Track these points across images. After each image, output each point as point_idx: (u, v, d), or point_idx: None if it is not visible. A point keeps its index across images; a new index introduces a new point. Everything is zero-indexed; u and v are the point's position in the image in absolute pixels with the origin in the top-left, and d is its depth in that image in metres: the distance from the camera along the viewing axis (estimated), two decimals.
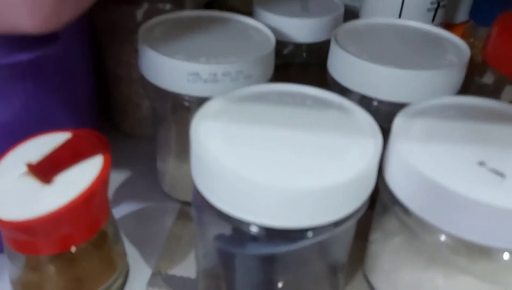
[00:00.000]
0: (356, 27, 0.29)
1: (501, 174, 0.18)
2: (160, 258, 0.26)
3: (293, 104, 0.22)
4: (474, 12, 0.32)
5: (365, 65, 0.24)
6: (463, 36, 0.34)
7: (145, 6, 0.31)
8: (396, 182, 0.20)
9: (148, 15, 0.30)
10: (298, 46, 0.32)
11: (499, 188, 0.17)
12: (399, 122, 0.20)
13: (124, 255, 0.24)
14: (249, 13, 0.33)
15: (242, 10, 0.36)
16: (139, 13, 0.31)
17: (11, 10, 0.18)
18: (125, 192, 0.31)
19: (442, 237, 0.19)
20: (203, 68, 0.24)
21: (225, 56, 0.25)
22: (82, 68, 0.27)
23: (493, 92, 0.25)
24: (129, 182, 0.32)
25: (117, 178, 0.32)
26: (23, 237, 0.20)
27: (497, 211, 0.17)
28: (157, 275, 0.25)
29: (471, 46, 0.33)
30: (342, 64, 0.25)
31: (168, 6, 0.32)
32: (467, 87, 0.28)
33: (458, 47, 0.26)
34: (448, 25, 0.35)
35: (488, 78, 0.26)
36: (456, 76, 0.24)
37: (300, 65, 0.34)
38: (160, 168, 0.30)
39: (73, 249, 0.21)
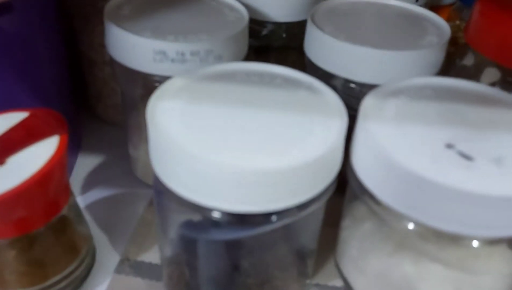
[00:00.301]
0: (334, 6, 0.28)
1: (469, 157, 0.17)
2: (129, 244, 0.26)
3: (260, 84, 0.21)
4: None
5: (342, 46, 0.23)
6: (449, 18, 0.33)
7: None
8: (363, 167, 0.19)
9: None
10: (278, 26, 0.31)
11: (467, 172, 0.17)
12: (368, 102, 0.20)
13: (88, 239, 0.24)
14: None
15: None
16: None
17: None
18: (97, 178, 0.30)
19: (410, 225, 0.18)
20: (170, 46, 0.23)
21: (195, 34, 0.24)
22: (48, 49, 0.26)
23: (474, 74, 0.24)
24: (102, 167, 0.31)
25: (90, 164, 0.31)
26: None
27: (464, 196, 0.16)
28: (125, 261, 0.25)
29: (457, 28, 0.32)
30: (318, 45, 0.25)
31: None
32: (451, 68, 0.27)
33: (439, 28, 0.25)
34: (435, 7, 0.34)
35: (468, 60, 0.25)
36: (435, 56, 0.23)
37: (280, 48, 0.33)
38: (132, 154, 0.30)
39: (31, 233, 0.20)
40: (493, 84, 0.24)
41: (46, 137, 0.20)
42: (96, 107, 0.34)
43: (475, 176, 0.16)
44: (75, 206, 0.23)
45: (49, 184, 0.19)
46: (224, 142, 0.17)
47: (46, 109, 0.21)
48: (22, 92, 0.24)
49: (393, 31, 0.25)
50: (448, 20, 0.33)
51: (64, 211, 0.21)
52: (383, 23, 0.26)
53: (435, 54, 0.24)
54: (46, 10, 0.26)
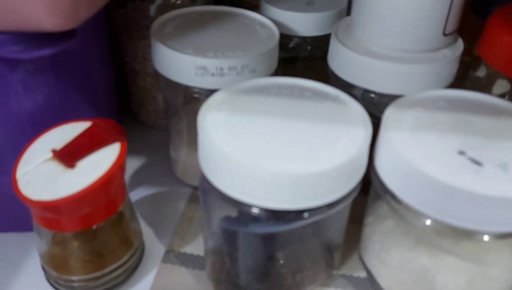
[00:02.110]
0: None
1: (478, 163, 0.19)
2: (173, 237, 0.29)
3: (291, 96, 0.24)
4: (477, 6, 0.33)
5: (362, 60, 0.26)
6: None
7: (158, 1, 0.33)
8: (385, 170, 0.21)
9: (162, 11, 0.32)
10: (303, 39, 0.34)
11: (476, 176, 0.19)
12: (389, 114, 0.22)
13: (139, 233, 0.27)
14: (258, 7, 0.35)
15: (252, 3, 0.37)
16: (153, 9, 0.33)
17: (33, 9, 0.20)
18: (141, 178, 0.33)
19: (428, 221, 0.21)
20: (211, 63, 0.26)
21: (231, 51, 0.27)
22: (100, 62, 0.29)
23: (486, 85, 0.26)
24: (145, 168, 0.34)
25: (134, 165, 0.34)
26: (49, 216, 0.22)
27: (474, 197, 0.18)
28: (170, 253, 0.28)
29: (473, 40, 0.34)
30: (340, 58, 0.27)
31: (180, 1, 0.33)
32: (466, 78, 0.29)
33: (453, 42, 0.27)
34: None
35: (481, 72, 0.27)
36: (448, 69, 0.26)
37: (306, 58, 0.35)
38: (173, 156, 0.33)
39: (94, 227, 0.23)
40: (503, 95, 0.26)
41: (108, 145, 0.23)
42: (139, 113, 0.37)
43: (483, 179, 0.19)
44: (130, 204, 0.26)
45: (110, 186, 0.22)
46: (261, 148, 0.20)
47: (106, 119, 0.24)
48: (80, 103, 0.27)
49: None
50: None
51: (121, 208, 0.24)
52: None
53: (447, 67, 0.26)
54: (99, 28, 0.29)
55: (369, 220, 0.26)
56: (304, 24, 0.33)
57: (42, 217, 0.22)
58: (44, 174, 0.22)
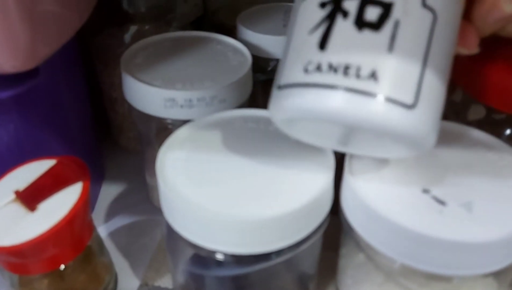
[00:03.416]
0: None
1: (442, 202, 0.19)
2: (148, 270, 0.28)
3: (256, 130, 0.23)
4: None
5: None
6: None
7: (133, 28, 0.33)
8: (350, 211, 0.21)
9: (137, 37, 0.32)
10: None
11: (439, 217, 0.18)
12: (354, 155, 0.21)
13: (110, 267, 0.26)
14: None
15: (230, 25, 0.37)
16: (127, 36, 0.33)
17: None
18: (118, 205, 0.33)
19: (395, 264, 0.20)
20: (179, 95, 0.25)
21: (200, 82, 0.26)
22: (72, 94, 0.29)
23: (461, 110, 0.26)
24: (124, 195, 0.34)
25: (112, 192, 0.34)
26: (14, 260, 0.22)
27: (437, 241, 0.18)
28: (143, 287, 0.27)
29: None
30: None
31: (154, 28, 0.33)
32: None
33: None
34: None
35: (457, 96, 0.26)
36: None
37: None
38: (149, 182, 0.32)
39: (61, 267, 0.23)
40: (479, 121, 0.25)
41: (71, 184, 0.23)
42: (118, 139, 0.37)
43: (446, 221, 0.18)
44: (98, 239, 0.25)
45: (75, 225, 0.22)
46: (223, 192, 0.20)
47: (71, 157, 0.24)
48: (50, 139, 0.27)
49: None
50: None
51: (89, 243, 0.24)
52: None
53: None
54: (68, 61, 0.29)
55: (343, 251, 0.25)
56: (281, 46, 0.32)
57: (6, 262, 0.22)
58: (6, 217, 0.22)
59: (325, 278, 0.27)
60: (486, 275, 0.20)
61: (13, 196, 0.22)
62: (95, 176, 0.24)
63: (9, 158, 0.24)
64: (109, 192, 0.34)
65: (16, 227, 0.21)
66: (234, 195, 0.20)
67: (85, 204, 0.23)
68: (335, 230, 0.24)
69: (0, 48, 0.20)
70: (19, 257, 0.22)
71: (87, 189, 0.23)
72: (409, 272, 0.20)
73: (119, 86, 0.33)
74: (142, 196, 0.33)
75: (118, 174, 0.35)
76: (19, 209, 0.22)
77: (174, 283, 0.25)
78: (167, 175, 0.20)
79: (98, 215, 0.32)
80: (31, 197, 0.22)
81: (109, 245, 0.30)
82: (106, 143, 0.37)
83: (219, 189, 0.20)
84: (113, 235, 0.31)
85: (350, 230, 0.21)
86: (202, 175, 0.20)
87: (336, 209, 0.22)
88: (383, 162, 0.21)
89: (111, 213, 0.32)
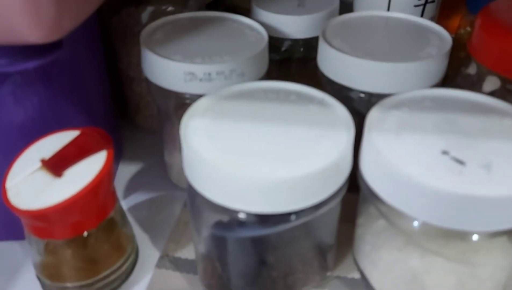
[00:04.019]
0: (342, 21, 0.30)
1: (461, 163, 0.19)
2: (168, 242, 0.29)
3: (276, 100, 0.24)
4: (469, 1, 0.33)
5: (348, 59, 0.26)
6: (460, 25, 0.34)
7: (150, 8, 0.33)
8: (370, 173, 0.21)
9: (154, 17, 0.32)
10: (295, 41, 0.34)
11: (459, 176, 0.19)
12: (373, 115, 0.22)
13: (132, 239, 0.27)
14: (250, 10, 0.35)
15: (243, 7, 0.37)
16: (145, 15, 0.33)
17: (16, 23, 0.20)
18: (137, 182, 0.33)
19: (415, 223, 0.21)
20: (198, 68, 0.26)
21: (219, 56, 0.27)
22: (93, 70, 0.30)
23: (476, 82, 0.26)
24: (141, 173, 0.35)
25: (130, 169, 0.35)
26: (40, 224, 0.22)
27: (457, 197, 0.18)
28: (164, 257, 0.28)
29: (468, 34, 0.33)
30: (329, 59, 0.27)
31: (171, 8, 0.34)
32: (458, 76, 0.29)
33: (442, 39, 0.27)
34: (446, 14, 0.35)
35: (472, 69, 0.26)
36: (435, 66, 0.25)
37: (300, 59, 0.35)
38: (167, 160, 0.33)
39: (84, 234, 0.24)
40: (493, 92, 0.25)
41: (95, 152, 0.23)
42: (135, 118, 0.38)
43: (466, 179, 0.18)
44: (121, 210, 0.26)
45: (99, 193, 0.23)
46: (245, 154, 0.20)
47: (94, 128, 0.25)
48: (72, 112, 0.27)
49: (396, 44, 0.27)
50: (458, 27, 0.35)
51: (112, 214, 0.25)
52: (387, 36, 0.28)
53: (435, 64, 0.25)
54: (90, 37, 0.29)
55: (360, 220, 0.26)
56: (295, 26, 0.33)
57: (33, 226, 0.23)
58: (33, 184, 0.22)
59: (342, 249, 0.28)
60: (504, 239, 0.21)
61: (39, 164, 0.23)
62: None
63: (34, 130, 0.24)
64: (127, 169, 0.35)
65: (42, 193, 0.22)
66: (256, 157, 0.20)
67: (109, 172, 0.23)
68: (352, 203, 0.25)
69: (26, 19, 0.20)
70: (45, 222, 0.22)
71: (111, 158, 0.23)
72: (429, 233, 0.20)
73: (136, 65, 0.34)
74: (160, 173, 0.34)
75: (136, 152, 0.36)
76: (46, 176, 0.22)
77: (196, 251, 0.26)
78: (191, 139, 0.21)
79: (117, 191, 0.32)
80: (57, 165, 0.23)
81: (129, 219, 0.30)
82: (123, 123, 0.38)
83: (241, 152, 0.20)
84: (132, 210, 0.31)
85: (370, 195, 0.22)
86: (224, 140, 0.21)
87: (352, 187, 0.23)
88: (402, 125, 0.21)
89: (129, 189, 0.33)
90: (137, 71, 0.34)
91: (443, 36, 0.27)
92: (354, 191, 0.24)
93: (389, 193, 0.20)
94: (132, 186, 0.33)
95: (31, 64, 0.22)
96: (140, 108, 0.37)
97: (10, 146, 0.24)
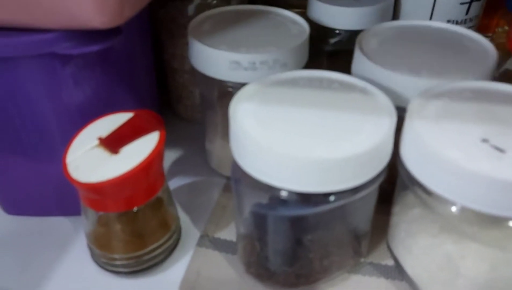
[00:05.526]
0: (380, 31, 0.30)
1: (501, 150, 0.20)
2: (208, 223, 0.30)
3: (320, 88, 0.25)
4: (509, 1, 0.33)
5: (384, 73, 0.26)
6: (498, 24, 0.35)
7: (197, 1, 0.35)
8: (410, 159, 0.22)
9: (199, 10, 0.34)
10: (349, 33, 0.34)
11: (499, 162, 0.19)
12: (414, 104, 0.23)
13: (176, 218, 0.29)
14: (292, 4, 0.36)
15: (285, 2, 0.39)
16: (191, 8, 0.35)
17: (83, 9, 0.22)
18: (178, 168, 0.35)
19: (453, 208, 0.21)
20: (243, 57, 0.27)
21: (263, 46, 0.28)
22: (142, 59, 0.31)
23: None
24: (182, 159, 0.36)
25: (172, 156, 0.36)
26: (96, 197, 0.24)
27: (496, 182, 0.19)
28: (204, 237, 0.29)
29: (505, 33, 0.34)
30: (363, 68, 0.27)
31: (216, 1, 0.35)
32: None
33: (483, 49, 0.27)
34: (486, 13, 0.36)
35: (510, 64, 0.27)
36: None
37: (349, 51, 0.36)
38: (208, 148, 0.34)
39: (134, 209, 0.25)
40: None
41: (148, 133, 0.25)
42: (177, 107, 0.39)
43: (505, 166, 0.19)
44: (168, 190, 0.28)
45: (150, 171, 0.24)
46: (290, 135, 0.21)
47: (147, 110, 0.26)
48: (124, 96, 0.29)
49: (428, 56, 0.27)
50: (497, 25, 0.35)
51: (160, 193, 0.26)
52: (424, 47, 0.28)
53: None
54: (141, 27, 0.31)
55: (396, 209, 0.26)
56: (349, 18, 0.33)
57: (89, 199, 0.24)
58: (91, 159, 0.24)
59: (376, 237, 0.28)
60: None
61: (97, 142, 0.24)
62: None
63: (90, 111, 0.26)
64: (168, 156, 0.36)
65: (99, 168, 0.23)
66: (300, 138, 0.21)
67: (161, 152, 0.25)
68: (385, 196, 0.26)
69: (92, 5, 0.22)
70: (100, 195, 0.24)
71: (163, 138, 0.25)
72: (466, 218, 0.21)
73: (180, 56, 0.36)
74: (200, 160, 0.35)
75: (176, 140, 0.37)
76: (103, 153, 0.24)
77: (237, 230, 0.27)
78: (239, 120, 0.22)
79: None
80: (113, 143, 0.24)
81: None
82: (164, 112, 0.39)
83: (286, 133, 0.22)
84: (174, 193, 0.33)
85: (409, 181, 0.22)
86: (270, 121, 0.22)
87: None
88: (443, 113, 0.22)
89: (171, 175, 0.34)
90: (180, 63, 0.36)
91: (485, 46, 0.27)
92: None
93: (429, 178, 0.21)
94: (173, 172, 0.35)
95: (93, 48, 0.24)
96: (182, 98, 0.38)
97: (69, 125, 0.26)
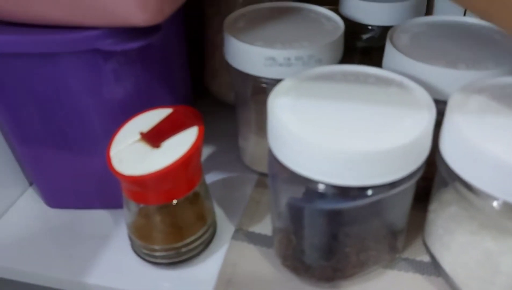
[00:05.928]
0: (411, 26, 0.30)
1: None
2: (243, 218, 0.31)
3: (356, 82, 0.25)
4: None
5: (418, 66, 0.26)
6: None
7: None
8: (451, 154, 0.22)
9: None
10: (381, 29, 0.34)
11: None
12: (455, 98, 0.23)
13: (212, 212, 0.29)
14: (333, 1, 0.36)
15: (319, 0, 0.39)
16: None
17: (125, 7, 0.23)
18: (212, 164, 0.36)
19: (495, 203, 0.21)
20: (279, 53, 0.27)
21: (298, 42, 0.28)
22: (178, 54, 0.32)
23: None
24: (215, 155, 0.37)
25: (206, 152, 0.37)
26: (137, 189, 0.25)
27: None
28: (239, 231, 0.30)
29: None
30: (395, 63, 0.27)
31: None
32: None
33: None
34: None
35: None
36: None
37: (383, 48, 0.36)
38: (241, 144, 0.35)
39: (174, 201, 0.26)
40: None
41: (187, 128, 0.25)
42: (211, 85, 0.40)
43: None
44: (205, 184, 0.28)
45: (189, 165, 0.25)
46: (327, 129, 0.22)
47: (186, 106, 0.27)
48: (162, 91, 0.30)
49: (463, 50, 0.27)
50: None
51: (197, 187, 0.27)
52: (457, 41, 0.28)
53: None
54: (179, 25, 0.32)
55: (433, 206, 0.26)
56: (382, 14, 0.34)
57: (132, 191, 0.25)
58: (133, 153, 0.25)
59: (411, 234, 0.28)
60: None
61: (138, 136, 0.25)
62: None
63: (131, 106, 0.27)
64: (203, 152, 0.37)
65: (141, 162, 0.24)
66: (338, 132, 0.21)
67: (200, 147, 0.25)
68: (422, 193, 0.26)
69: (133, 3, 0.23)
70: (142, 187, 0.25)
71: (202, 133, 0.25)
72: (508, 213, 0.21)
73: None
74: (233, 157, 0.36)
75: (211, 137, 0.38)
76: (144, 147, 0.25)
77: (273, 223, 0.27)
78: (277, 114, 0.23)
79: None
80: (154, 137, 0.25)
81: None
82: (197, 92, 0.39)
83: (323, 126, 0.22)
84: (209, 187, 0.33)
85: (449, 177, 0.22)
86: (308, 115, 0.22)
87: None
88: (484, 108, 0.22)
89: (205, 170, 0.35)
90: (223, 40, 0.36)
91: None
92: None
93: (471, 173, 0.21)
94: (208, 167, 0.35)
95: (134, 45, 0.24)
96: (217, 74, 0.39)
97: (111, 120, 0.27)
